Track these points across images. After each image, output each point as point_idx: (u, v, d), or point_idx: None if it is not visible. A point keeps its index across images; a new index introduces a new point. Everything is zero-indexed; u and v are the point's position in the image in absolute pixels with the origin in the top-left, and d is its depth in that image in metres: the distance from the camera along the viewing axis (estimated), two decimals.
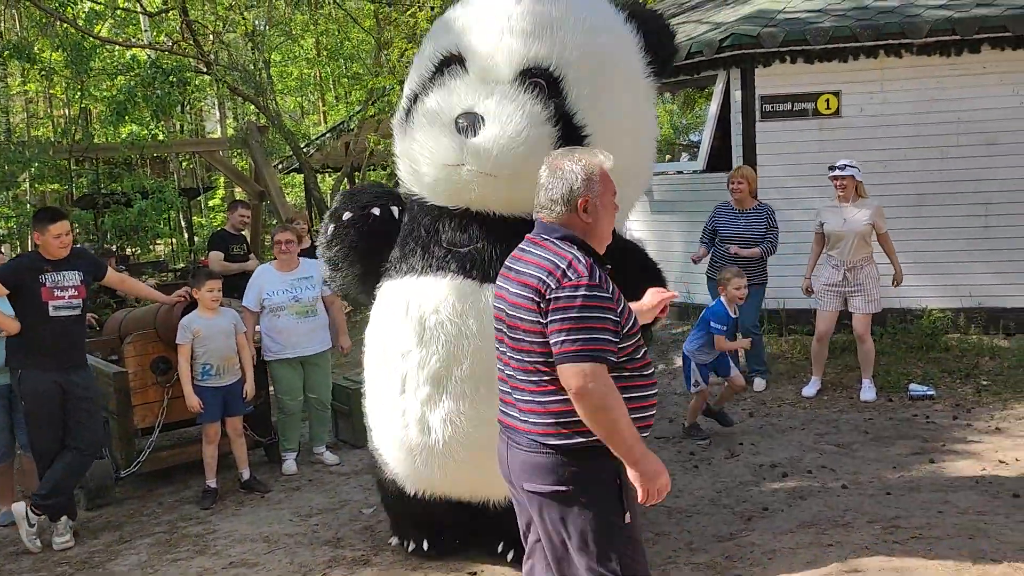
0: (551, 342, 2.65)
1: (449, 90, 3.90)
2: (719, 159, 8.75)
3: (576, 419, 2.67)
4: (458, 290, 3.92)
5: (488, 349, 3.34)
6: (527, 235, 2.90)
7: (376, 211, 4.25)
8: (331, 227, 4.34)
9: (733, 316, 6.30)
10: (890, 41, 7.92)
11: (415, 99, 4.04)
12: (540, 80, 3.83)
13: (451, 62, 3.99)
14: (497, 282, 2.91)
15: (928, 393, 6.93)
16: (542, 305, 2.66)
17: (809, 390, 7.17)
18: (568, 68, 3.85)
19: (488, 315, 3.47)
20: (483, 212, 3.96)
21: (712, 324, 6.14)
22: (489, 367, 3.23)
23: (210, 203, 22.30)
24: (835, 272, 6.88)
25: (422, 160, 3.96)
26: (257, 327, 6.16)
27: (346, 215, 4.26)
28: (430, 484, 4.20)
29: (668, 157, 13.14)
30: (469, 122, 3.78)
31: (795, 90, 8.25)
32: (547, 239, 2.79)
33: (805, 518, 4.77)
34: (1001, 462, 5.45)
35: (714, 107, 8.72)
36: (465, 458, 3.95)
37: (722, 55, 8.35)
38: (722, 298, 6.27)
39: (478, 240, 3.94)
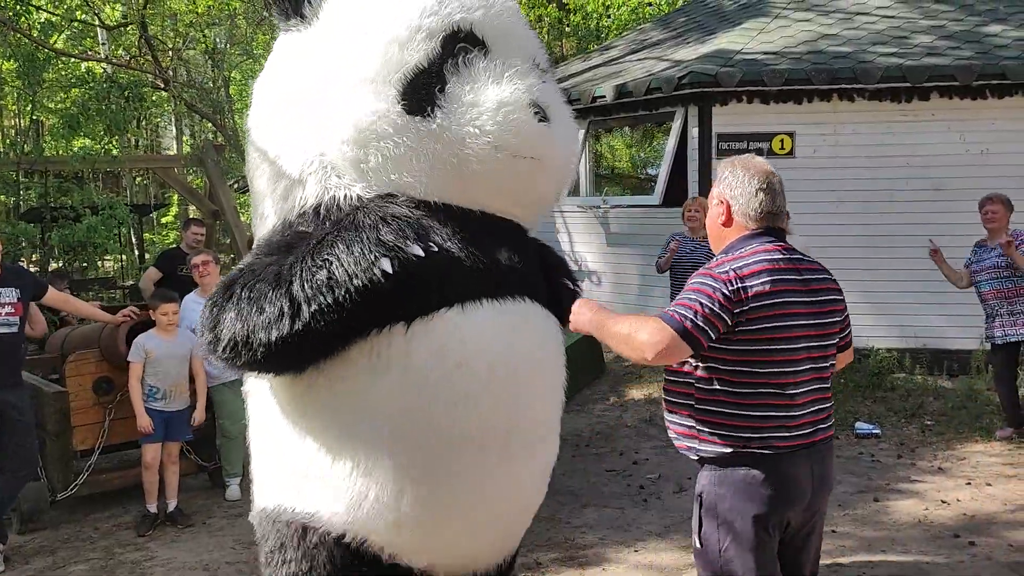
0: (844, 335, 2.94)
1: (500, 73, 3.06)
2: (675, 194, 8.84)
3: None
4: (527, 317, 3.16)
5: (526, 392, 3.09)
6: (774, 241, 2.82)
7: (419, 251, 2.85)
8: (334, 295, 2.73)
9: None
10: (843, 85, 8.11)
11: (435, 81, 2.99)
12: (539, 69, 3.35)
13: (457, 39, 3.10)
14: (813, 298, 2.80)
15: (874, 432, 7.02)
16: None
17: None
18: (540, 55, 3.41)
19: (536, 341, 3.13)
20: (495, 215, 3.20)
21: None
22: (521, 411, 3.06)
23: (163, 220, 22.00)
24: None
25: (488, 154, 2.97)
26: None
27: (384, 264, 2.76)
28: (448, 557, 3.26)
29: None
30: (542, 111, 3.06)
31: (751, 129, 8.39)
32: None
33: None
34: (943, 502, 5.53)
35: (671, 143, 8.83)
36: (504, 524, 3.33)
37: (680, 92, 8.47)
38: None
39: (506, 250, 3.17)
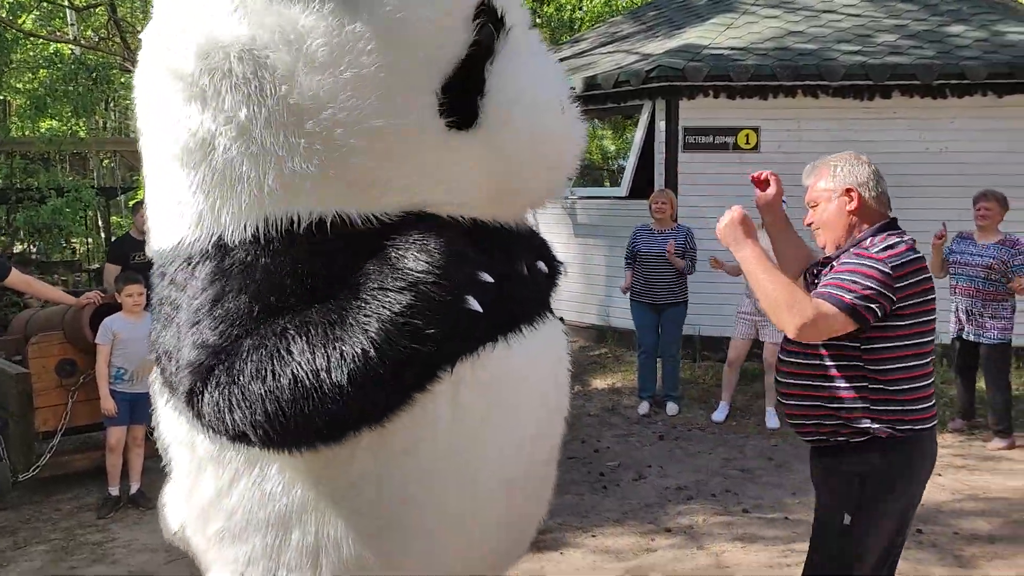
0: None
1: (527, 62, 2.59)
2: (642, 186, 8.95)
3: None
4: (554, 338, 2.85)
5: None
6: (894, 228, 3.00)
7: (489, 277, 2.38)
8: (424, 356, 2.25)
9: None
10: (808, 82, 8.24)
11: (476, 82, 2.41)
12: None
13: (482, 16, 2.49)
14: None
15: None
16: None
17: (718, 415, 7.35)
18: None
19: (562, 364, 2.86)
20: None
21: None
22: None
23: (130, 203, 21.81)
24: (751, 302, 7.08)
25: (528, 164, 2.58)
26: None
27: (473, 304, 2.29)
28: None
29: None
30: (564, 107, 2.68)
31: (717, 123, 8.51)
32: None
33: (706, 541, 4.90)
34: None
35: (639, 135, 8.93)
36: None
37: (648, 86, 8.56)
38: None
39: (528, 261, 2.81)
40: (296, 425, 2.19)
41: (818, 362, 2.91)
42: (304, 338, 2.19)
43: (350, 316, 2.21)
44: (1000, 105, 8.10)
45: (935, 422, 2.92)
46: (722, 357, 7.71)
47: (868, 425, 2.82)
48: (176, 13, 2.39)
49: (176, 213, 2.45)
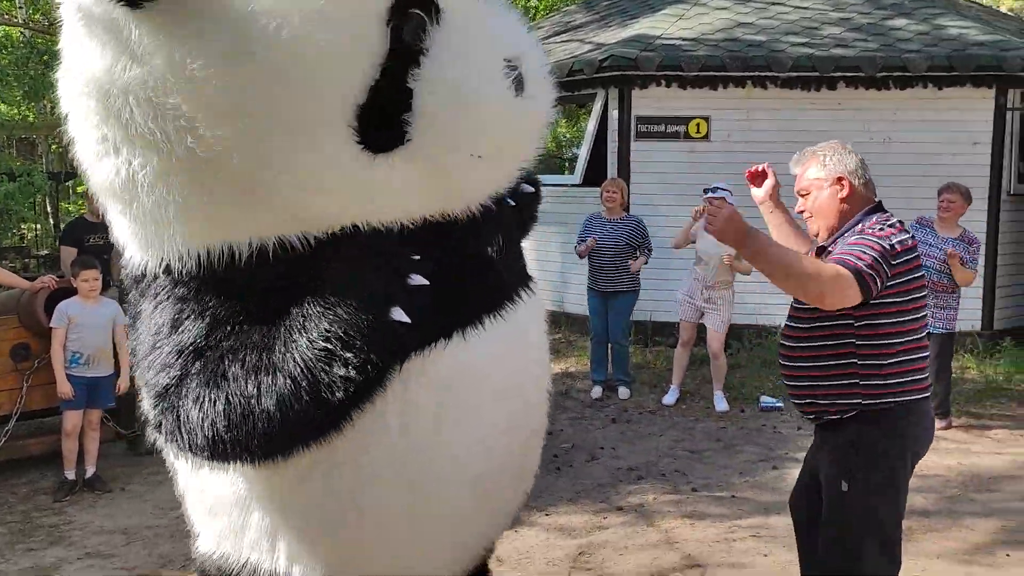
0: None
1: (464, 51, 2.31)
2: (595, 174, 9.09)
3: None
4: (526, 323, 2.78)
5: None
6: (881, 211, 3.12)
7: (423, 279, 2.36)
8: (357, 372, 2.26)
9: None
10: (757, 73, 8.43)
11: (398, 100, 2.24)
12: None
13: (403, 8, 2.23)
14: None
15: (777, 405, 7.38)
16: None
17: (669, 398, 7.52)
18: None
19: (536, 351, 2.84)
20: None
21: None
22: None
23: (79, 189, 21.46)
24: (696, 286, 7.26)
25: (472, 166, 2.40)
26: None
27: (398, 315, 2.26)
28: None
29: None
30: (520, 82, 2.40)
31: (669, 113, 8.67)
32: None
33: (656, 519, 5.06)
34: None
35: (592, 124, 9.07)
36: None
37: (601, 75, 8.69)
38: None
39: (493, 241, 2.73)
40: (233, 448, 2.26)
41: (815, 343, 3.06)
42: (239, 363, 2.23)
43: (279, 342, 2.23)
44: (940, 97, 8.37)
45: (927, 394, 3.09)
46: (673, 342, 7.89)
47: (860, 400, 2.98)
48: (73, 47, 2.29)
49: (129, 233, 2.47)
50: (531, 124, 2.55)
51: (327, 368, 2.18)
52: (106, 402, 5.72)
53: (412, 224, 2.41)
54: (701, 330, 7.43)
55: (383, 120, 2.20)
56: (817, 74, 8.35)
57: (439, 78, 2.23)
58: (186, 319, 2.34)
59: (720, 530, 4.87)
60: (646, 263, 7.51)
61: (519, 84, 2.37)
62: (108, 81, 2.13)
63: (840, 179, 3.08)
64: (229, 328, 2.32)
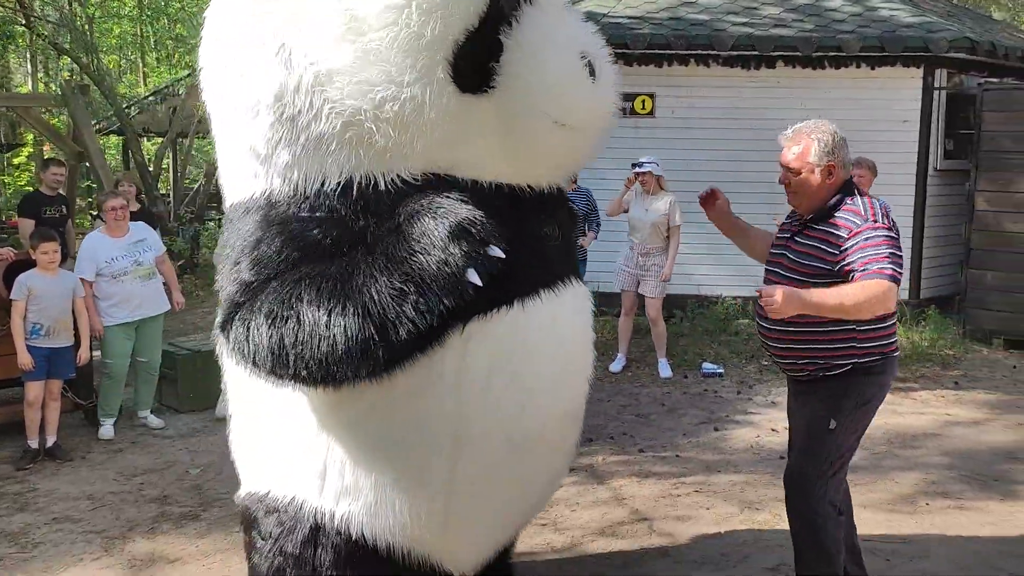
0: None
1: (555, 30, 2.76)
2: None
3: None
4: (576, 302, 3.05)
5: None
6: (851, 188, 3.44)
7: (501, 253, 2.55)
8: (425, 321, 2.47)
9: None
10: (699, 51, 8.70)
11: (490, 49, 2.61)
12: None
13: None
14: None
15: (718, 371, 7.72)
16: None
17: (615, 366, 7.81)
18: None
19: (584, 328, 3.13)
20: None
21: None
22: None
23: (15, 161, 20.98)
24: (631, 254, 7.56)
25: (549, 132, 2.72)
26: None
27: (473, 277, 2.49)
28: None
29: None
30: (592, 69, 2.79)
31: None
32: None
33: (606, 478, 5.33)
34: (772, 430, 6.23)
35: None
36: None
37: None
38: None
39: (553, 225, 2.97)
40: (293, 366, 2.48)
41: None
42: (315, 289, 2.45)
43: (357, 276, 2.45)
44: (872, 76, 8.75)
45: (898, 353, 3.53)
46: (619, 312, 8.16)
47: (856, 359, 3.36)
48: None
49: (248, 173, 2.78)
50: (601, 107, 2.86)
51: (398, 308, 2.41)
52: (66, 372, 5.79)
53: (492, 189, 2.68)
54: (643, 299, 7.72)
55: (475, 64, 2.54)
56: (757, 53, 8.65)
57: (526, 41, 2.60)
58: (270, 241, 2.59)
59: (665, 487, 5.16)
60: (595, 238, 7.77)
61: (591, 70, 2.72)
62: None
63: (831, 168, 3.38)
64: (308, 255, 2.56)
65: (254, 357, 2.53)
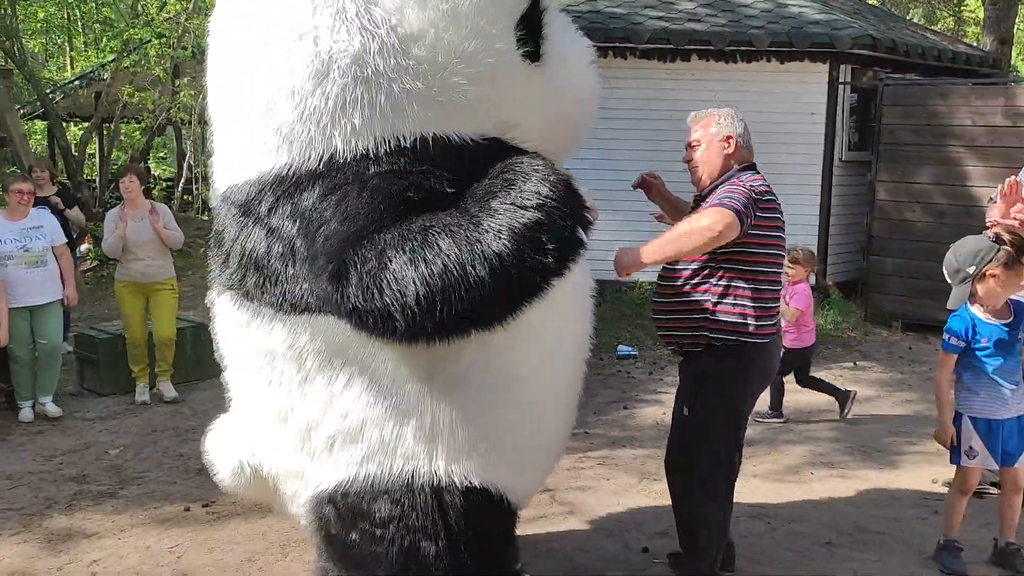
0: None
1: (566, 21, 3.23)
2: None
3: None
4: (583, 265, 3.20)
5: None
6: (755, 170, 3.56)
7: (591, 217, 2.82)
8: (552, 276, 2.69)
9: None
10: (617, 44, 8.97)
11: (543, 24, 2.93)
12: None
13: None
14: (783, 217, 3.55)
15: (632, 353, 8.03)
16: None
17: None
18: None
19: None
20: None
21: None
22: None
23: None
24: None
25: (576, 107, 3.16)
26: None
27: (583, 235, 2.73)
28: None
29: None
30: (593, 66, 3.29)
31: None
32: None
33: None
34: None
35: None
36: None
37: None
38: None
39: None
40: (440, 310, 2.54)
41: (678, 284, 3.54)
42: (450, 237, 2.57)
43: (484, 223, 2.60)
44: (781, 70, 9.11)
45: (769, 340, 3.54)
46: None
47: (708, 335, 3.45)
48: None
49: (268, 148, 2.78)
50: (595, 98, 3.22)
51: (536, 255, 2.58)
52: None
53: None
54: None
55: (534, 32, 2.82)
56: (672, 47, 8.95)
57: (554, 19, 2.94)
58: (355, 195, 2.67)
59: (571, 461, 5.42)
60: None
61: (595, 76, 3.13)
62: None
63: (728, 137, 3.57)
64: (408, 207, 2.65)
65: (392, 308, 2.53)
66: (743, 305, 3.45)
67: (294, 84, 2.71)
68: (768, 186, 3.53)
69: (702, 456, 3.55)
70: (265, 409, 3.04)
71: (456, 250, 2.53)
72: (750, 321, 3.45)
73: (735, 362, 3.49)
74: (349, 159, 2.70)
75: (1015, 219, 4.11)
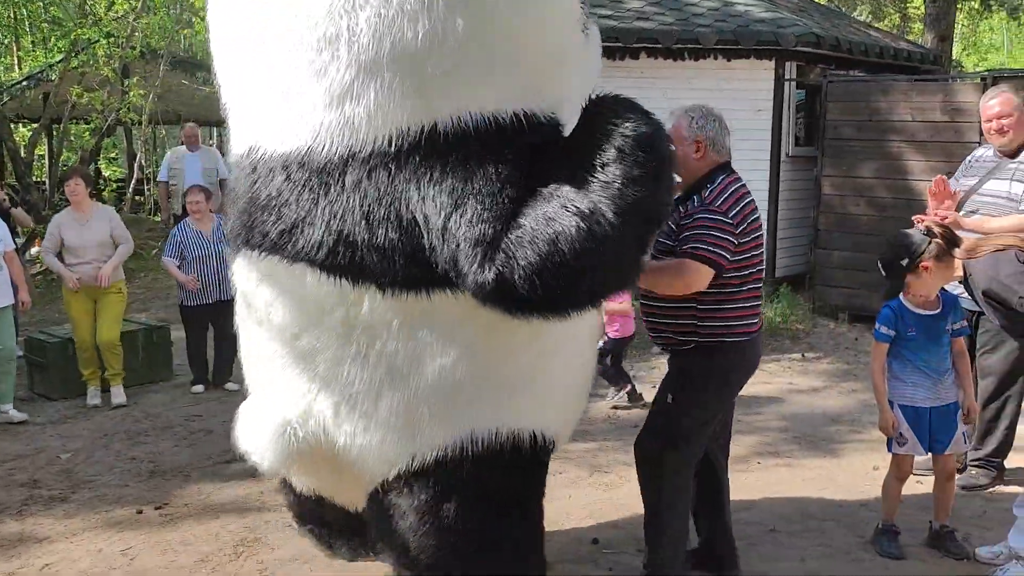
0: None
1: None
2: None
3: None
4: None
5: None
6: (733, 173, 3.62)
7: None
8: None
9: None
10: None
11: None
12: None
13: None
14: (758, 214, 3.62)
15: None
16: None
17: None
18: None
19: None
20: None
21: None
22: None
23: None
24: None
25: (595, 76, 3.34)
26: None
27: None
28: None
29: None
30: None
31: None
32: None
33: None
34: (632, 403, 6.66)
35: None
36: None
37: None
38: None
39: None
40: (584, 290, 2.72)
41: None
42: (587, 222, 2.61)
43: (606, 196, 2.66)
44: (728, 68, 9.27)
45: (750, 337, 3.61)
46: None
47: (695, 337, 3.54)
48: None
49: (358, 114, 2.67)
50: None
51: (648, 228, 2.81)
52: None
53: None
54: None
55: (584, 3, 3.09)
56: (621, 45, 9.07)
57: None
58: (484, 175, 2.66)
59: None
60: None
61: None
62: None
63: (699, 142, 3.60)
64: (510, 190, 2.67)
65: (556, 296, 2.65)
66: (731, 308, 3.56)
67: (406, 47, 2.60)
68: (744, 186, 3.60)
69: (679, 446, 3.63)
70: (344, 381, 2.98)
71: (584, 225, 2.61)
72: (737, 323, 3.57)
73: (722, 359, 3.60)
74: (450, 135, 2.67)
75: (940, 216, 4.27)
